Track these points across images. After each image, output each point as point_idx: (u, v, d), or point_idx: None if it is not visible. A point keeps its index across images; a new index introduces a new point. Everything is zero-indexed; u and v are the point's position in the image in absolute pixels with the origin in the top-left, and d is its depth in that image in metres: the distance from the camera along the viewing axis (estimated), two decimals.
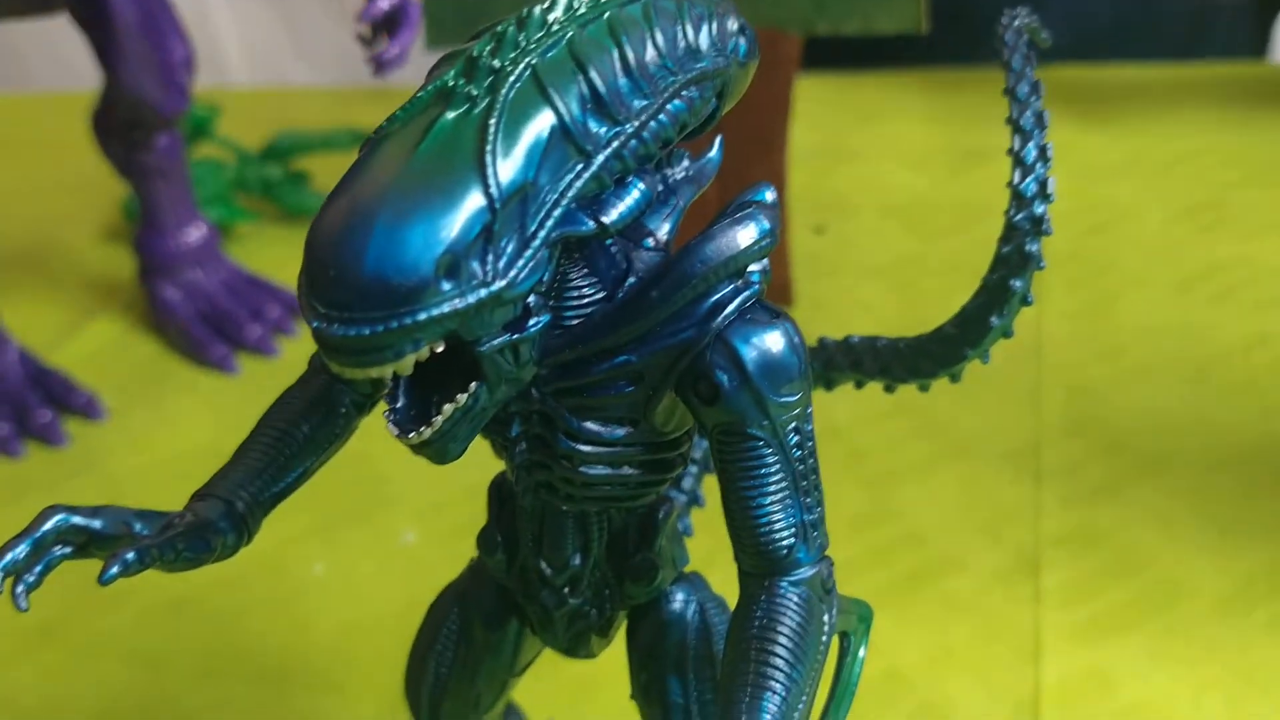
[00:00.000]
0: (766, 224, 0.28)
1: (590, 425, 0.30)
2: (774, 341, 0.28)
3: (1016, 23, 0.36)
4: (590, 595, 0.34)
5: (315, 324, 0.25)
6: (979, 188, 0.89)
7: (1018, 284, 0.35)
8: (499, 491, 0.35)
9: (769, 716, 0.28)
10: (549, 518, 0.33)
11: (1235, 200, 0.85)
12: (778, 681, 0.28)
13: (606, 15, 0.27)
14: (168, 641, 0.58)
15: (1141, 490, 0.61)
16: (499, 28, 0.26)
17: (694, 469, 0.42)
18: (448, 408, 0.27)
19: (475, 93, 0.26)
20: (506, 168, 0.25)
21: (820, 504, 0.30)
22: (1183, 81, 0.99)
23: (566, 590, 0.34)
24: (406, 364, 0.26)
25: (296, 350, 0.79)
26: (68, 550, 0.31)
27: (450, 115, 0.26)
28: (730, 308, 0.28)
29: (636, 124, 0.27)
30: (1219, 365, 0.70)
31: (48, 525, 0.30)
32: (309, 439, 0.33)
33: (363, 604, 0.59)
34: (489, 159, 0.25)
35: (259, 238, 0.91)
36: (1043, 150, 0.34)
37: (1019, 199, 0.34)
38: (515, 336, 0.27)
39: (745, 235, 0.28)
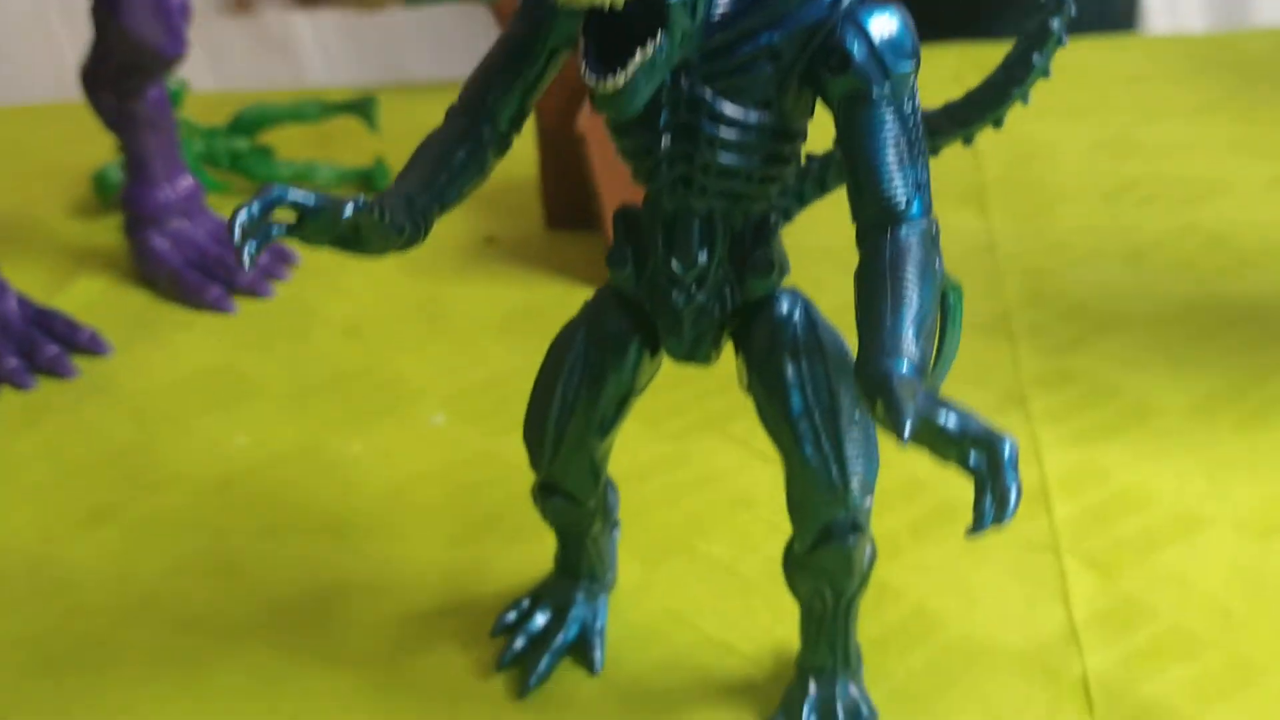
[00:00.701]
0: None
1: (730, 108, 0.35)
2: (892, 21, 0.34)
3: None
4: (713, 292, 0.39)
5: None
6: None
7: (1055, 24, 0.41)
8: (624, 218, 0.39)
9: (909, 319, 0.33)
10: (680, 221, 0.38)
11: (1138, 135, 0.95)
12: (913, 294, 0.33)
13: None
14: (222, 514, 0.60)
15: (1103, 341, 0.68)
16: None
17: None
18: (637, 55, 0.31)
19: None
20: None
21: (928, 169, 0.35)
22: (1078, 50, 1.10)
23: (694, 286, 0.38)
24: None
25: (290, 292, 0.82)
26: (282, 228, 0.34)
27: None
28: None
29: None
30: (1154, 250, 0.78)
31: (272, 194, 0.34)
32: (464, 164, 0.38)
33: (404, 469, 0.62)
34: None
35: (228, 209, 0.93)
36: None
37: None
38: None
39: None
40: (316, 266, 0.85)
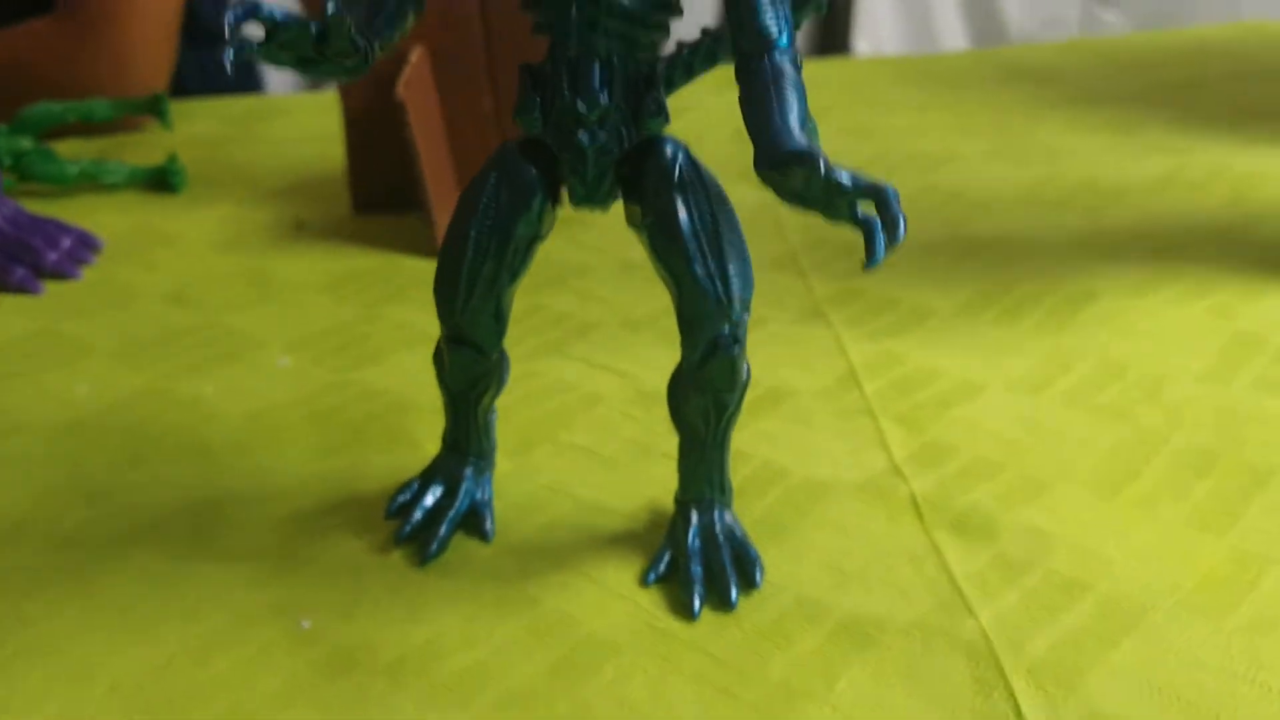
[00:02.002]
0: None
1: None
2: None
3: None
4: (613, 132, 0.45)
5: None
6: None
7: None
8: (529, 72, 0.45)
9: (794, 117, 0.40)
10: (582, 66, 0.43)
11: (874, 124, 1.08)
12: (793, 101, 0.41)
13: None
14: (78, 450, 0.60)
15: (876, 274, 0.79)
16: None
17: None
18: None
19: None
20: None
21: (790, 16, 0.43)
22: (809, 68, 1.24)
23: (597, 126, 0.44)
24: None
25: (99, 274, 0.81)
26: (254, 46, 0.38)
27: None
28: None
29: None
30: (905, 205, 0.89)
31: (249, 3, 0.37)
32: (393, 13, 0.42)
33: (260, 400, 0.64)
34: None
35: None
36: None
37: None
38: None
39: None
40: (122, 250, 0.85)
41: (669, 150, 0.45)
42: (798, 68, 0.42)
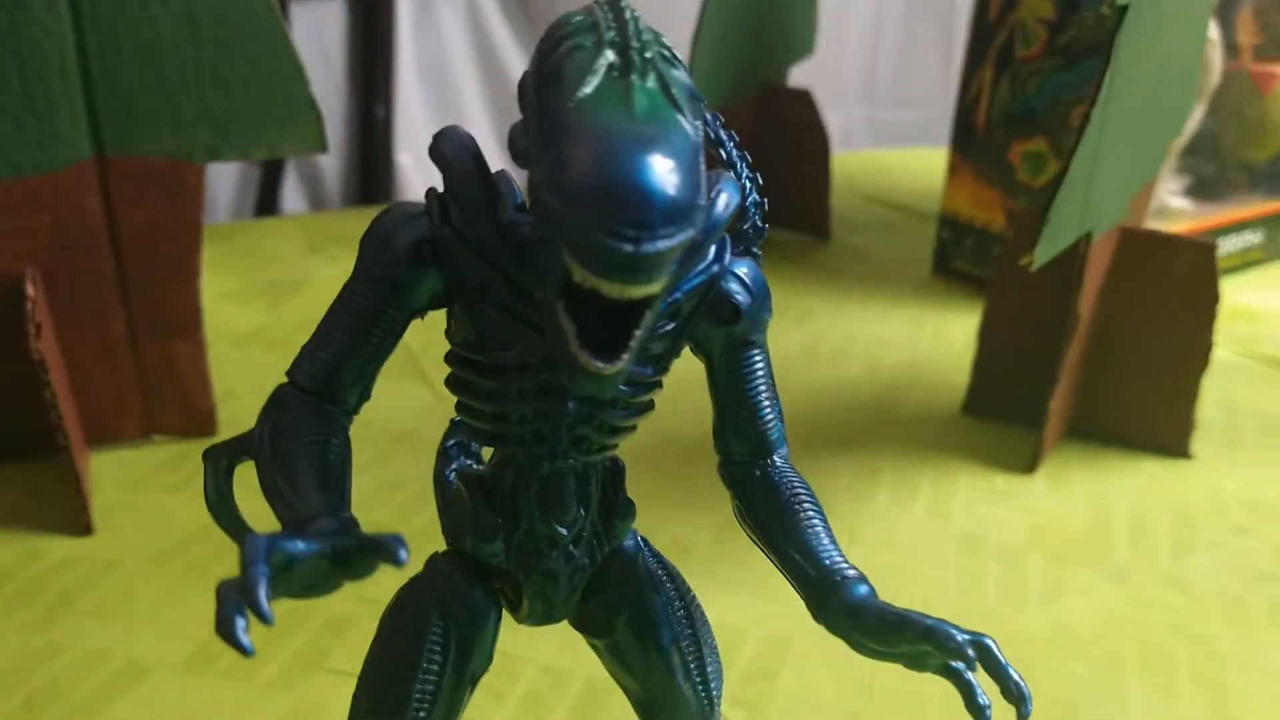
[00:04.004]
0: (738, 188, 0.35)
1: (635, 369, 0.34)
2: (757, 271, 0.36)
3: None
4: (585, 547, 0.37)
5: (626, 247, 0.27)
6: None
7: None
8: (480, 487, 0.36)
9: (829, 540, 0.36)
10: (551, 484, 0.36)
11: None
12: (817, 516, 0.36)
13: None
14: None
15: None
16: (608, 25, 0.30)
17: None
18: (636, 333, 0.29)
19: (644, 69, 0.29)
20: (691, 118, 0.29)
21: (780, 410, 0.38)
22: None
23: (572, 546, 0.37)
24: (662, 282, 0.28)
25: None
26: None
27: (637, 82, 0.29)
28: (728, 249, 0.35)
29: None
30: None
31: (263, 551, 0.26)
32: (342, 453, 0.32)
33: None
34: (683, 112, 0.29)
35: None
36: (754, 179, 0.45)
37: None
38: (674, 265, 0.31)
39: (733, 195, 0.35)
40: None
41: (630, 546, 0.39)
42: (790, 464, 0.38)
